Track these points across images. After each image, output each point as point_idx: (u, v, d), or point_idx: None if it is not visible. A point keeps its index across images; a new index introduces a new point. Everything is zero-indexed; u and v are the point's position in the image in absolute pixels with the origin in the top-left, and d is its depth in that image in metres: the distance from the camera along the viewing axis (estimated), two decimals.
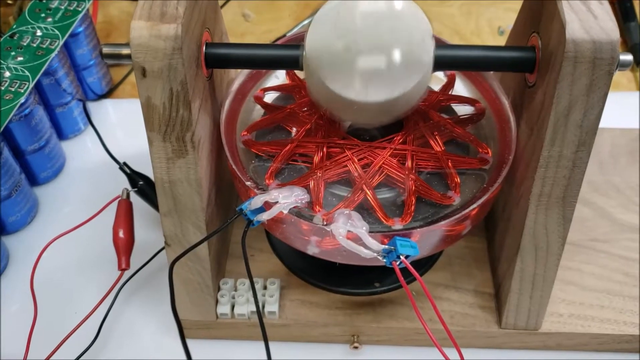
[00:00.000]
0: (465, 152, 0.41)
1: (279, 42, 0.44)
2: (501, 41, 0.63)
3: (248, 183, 0.37)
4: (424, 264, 0.45)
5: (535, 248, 0.38)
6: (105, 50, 0.34)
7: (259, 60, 0.37)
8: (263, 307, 0.42)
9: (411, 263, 0.37)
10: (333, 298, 0.44)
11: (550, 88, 0.33)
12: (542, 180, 0.35)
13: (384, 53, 0.34)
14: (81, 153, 0.57)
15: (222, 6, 0.70)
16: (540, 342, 0.43)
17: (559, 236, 0.38)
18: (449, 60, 0.36)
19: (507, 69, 0.37)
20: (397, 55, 0.34)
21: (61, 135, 0.58)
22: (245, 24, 0.69)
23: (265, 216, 0.35)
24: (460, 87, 0.44)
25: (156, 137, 0.35)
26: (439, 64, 0.35)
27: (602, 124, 0.54)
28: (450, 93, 0.43)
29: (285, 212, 0.35)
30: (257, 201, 0.35)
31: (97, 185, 0.54)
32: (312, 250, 0.38)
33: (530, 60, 0.35)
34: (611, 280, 0.45)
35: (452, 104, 0.43)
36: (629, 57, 0.35)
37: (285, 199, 0.35)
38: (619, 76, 0.63)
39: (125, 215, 0.44)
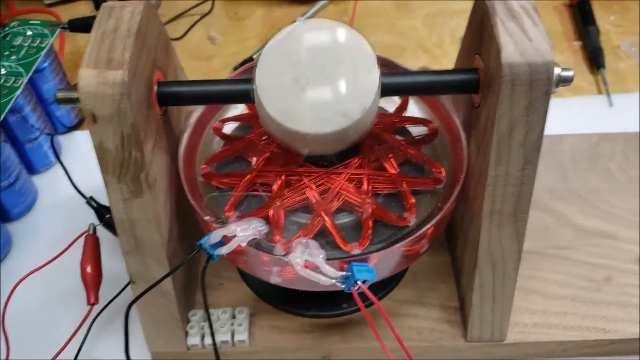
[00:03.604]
0: (420, 172, 0.42)
1: (243, 68, 0.45)
2: None
3: (206, 217, 0.38)
4: (389, 282, 0.45)
5: (492, 263, 0.39)
6: (59, 95, 0.35)
7: (211, 97, 0.38)
8: (233, 336, 0.43)
9: (378, 282, 0.38)
10: (302, 322, 0.44)
11: (491, 110, 0.34)
12: (491, 198, 0.36)
13: (330, 84, 0.35)
14: (52, 187, 0.58)
15: (187, 31, 0.71)
16: (506, 353, 0.44)
17: (514, 250, 0.38)
18: (394, 87, 0.37)
19: (451, 92, 0.38)
20: (345, 86, 0.35)
21: (32, 170, 0.58)
22: (211, 47, 0.70)
23: (224, 250, 0.36)
24: (415, 108, 0.45)
25: (111, 180, 0.36)
26: (385, 90, 0.36)
27: (563, 129, 0.56)
28: (404, 115, 0.44)
29: (244, 244, 0.36)
30: (216, 235, 0.36)
31: (68, 219, 0.54)
32: (274, 279, 0.39)
33: (473, 82, 0.36)
34: (574, 287, 0.46)
35: (406, 125, 0.44)
36: (569, 73, 0.36)
37: (243, 231, 0.36)
38: (580, 80, 0.64)
39: (91, 251, 0.44)
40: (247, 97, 0.37)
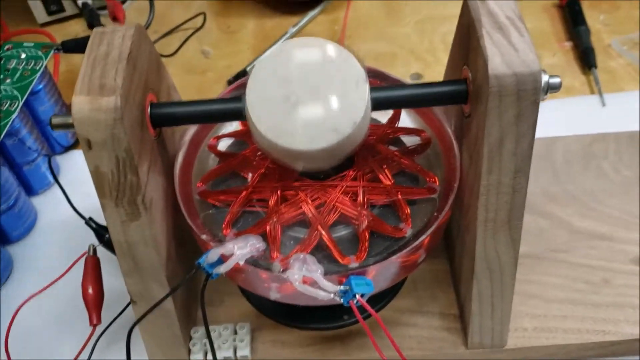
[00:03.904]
0: (415, 182, 0.42)
1: (236, 83, 0.45)
2: None
3: (204, 236, 0.38)
4: (389, 292, 0.46)
5: (489, 270, 0.39)
6: (54, 121, 0.35)
7: (203, 116, 0.38)
8: (235, 352, 0.43)
9: (377, 293, 0.38)
10: (304, 335, 0.45)
11: (481, 120, 0.35)
12: (485, 207, 0.37)
13: (320, 101, 0.35)
14: (52, 208, 0.58)
15: (180, 46, 0.71)
16: (507, 358, 0.44)
17: (510, 257, 0.39)
18: (384, 100, 0.37)
19: (440, 104, 0.39)
20: (335, 102, 0.35)
21: (31, 191, 0.58)
22: (205, 61, 0.71)
23: (222, 269, 0.36)
24: (407, 118, 0.45)
25: (108, 203, 0.36)
26: (376, 105, 0.37)
27: (556, 130, 0.57)
28: (396, 125, 0.44)
29: (242, 263, 0.36)
30: (213, 254, 0.36)
31: (68, 240, 0.55)
32: (274, 295, 0.39)
33: (462, 93, 0.37)
34: (573, 290, 0.46)
35: (400, 136, 0.44)
36: (557, 80, 0.36)
37: (240, 249, 0.37)
38: (572, 80, 0.64)
39: (92, 272, 0.45)
40: (239, 115, 0.37)
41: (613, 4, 0.72)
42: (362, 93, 0.36)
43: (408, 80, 0.65)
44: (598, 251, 0.48)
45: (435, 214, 0.40)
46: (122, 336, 0.48)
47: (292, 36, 0.71)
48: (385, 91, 0.37)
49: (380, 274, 0.38)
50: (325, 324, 0.44)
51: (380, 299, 0.45)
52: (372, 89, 0.36)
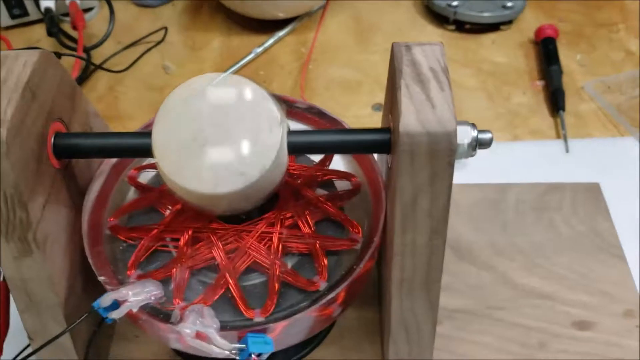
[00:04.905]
0: (340, 230, 0.40)
1: None
2: None
3: (101, 278, 0.36)
4: (313, 340, 0.43)
5: (405, 331, 0.37)
6: None
7: (111, 150, 0.36)
8: None
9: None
10: None
11: (395, 175, 0.32)
12: (400, 267, 0.34)
13: (230, 143, 0.33)
14: None
15: (136, 60, 0.69)
16: None
17: (428, 319, 0.36)
18: (302, 145, 0.35)
19: (362, 152, 0.36)
20: (244, 145, 0.33)
21: None
22: (165, 77, 0.69)
23: (115, 315, 0.34)
24: (342, 161, 0.43)
25: (0, 238, 0.34)
26: (293, 149, 0.34)
27: (515, 174, 0.54)
28: (328, 167, 0.42)
29: (135, 310, 0.34)
30: (107, 299, 0.34)
31: None
32: (174, 344, 0.37)
33: (384, 143, 0.34)
34: (505, 352, 0.43)
35: (331, 178, 0.42)
36: (487, 136, 0.34)
37: (135, 296, 0.34)
38: (540, 122, 0.62)
39: None
40: (147, 152, 0.35)
41: (591, 43, 0.69)
42: (275, 138, 0.33)
43: (369, 110, 0.63)
44: (538, 311, 0.45)
45: (354, 267, 0.37)
46: None
47: (257, 56, 0.69)
48: (305, 136, 0.35)
49: (287, 330, 0.36)
50: None
51: (303, 347, 0.43)
52: (292, 133, 0.34)
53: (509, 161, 0.57)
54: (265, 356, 0.34)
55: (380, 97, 0.65)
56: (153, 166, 0.43)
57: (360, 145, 0.35)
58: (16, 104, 0.32)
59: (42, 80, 0.34)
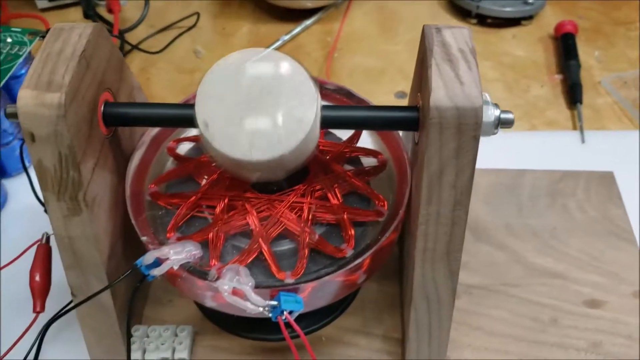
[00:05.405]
0: (367, 203, 0.42)
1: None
2: None
3: (143, 238, 0.39)
4: (336, 309, 0.46)
5: (427, 299, 0.39)
6: (8, 109, 0.36)
7: (156, 120, 0.39)
8: (173, 353, 0.43)
9: (324, 308, 0.38)
10: (245, 344, 0.45)
11: (423, 149, 0.34)
12: (424, 236, 0.37)
13: (267, 114, 0.35)
14: (22, 191, 0.59)
15: (169, 43, 0.71)
16: None
17: (448, 288, 0.39)
18: (334, 120, 0.37)
19: (391, 128, 0.39)
20: (282, 116, 0.35)
21: (4, 172, 0.59)
22: (195, 61, 0.71)
23: (156, 272, 0.36)
24: (369, 139, 0.45)
25: (51, 197, 0.36)
26: (326, 123, 0.37)
27: (531, 162, 0.56)
28: (355, 145, 0.44)
29: (176, 267, 0.37)
30: (149, 257, 0.37)
31: (31, 226, 0.55)
32: (209, 303, 0.39)
33: (413, 120, 0.37)
34: (519, 326, 0.46)
35: (358, 155, 0.44)
36: (509, 116, 0.36)
37: (176, 254, 0.37)
38: (556, 114, 0.64)
39: (42, 260, 0.45)
40: (191, 122, 0.37)
41: (609, 40, 0.71)
42: (311, 111, 0.36)
43: (392, 98, 0.65)
44: (550, 289, 0.47)
45: (379, 237, 0.40)
46: (71, 327, 0.49)
47: (285, 44, 0.71)
48: (337, 110, 0.38)
49: (315, 292, 0.38)
50: (267, 335, 0.44)
51: (326, 315, 0.45)
52: (324, 107, 0.36)
53: (526, 149, 0.59)
54: (296, 314, 0.36)
55: (403, 86, 0.67)
56: (191, 138, 0.45)
57: (390, 121, 0.38)
58: (73, 71, 0.34)
59: (95, 51, 0.37)
